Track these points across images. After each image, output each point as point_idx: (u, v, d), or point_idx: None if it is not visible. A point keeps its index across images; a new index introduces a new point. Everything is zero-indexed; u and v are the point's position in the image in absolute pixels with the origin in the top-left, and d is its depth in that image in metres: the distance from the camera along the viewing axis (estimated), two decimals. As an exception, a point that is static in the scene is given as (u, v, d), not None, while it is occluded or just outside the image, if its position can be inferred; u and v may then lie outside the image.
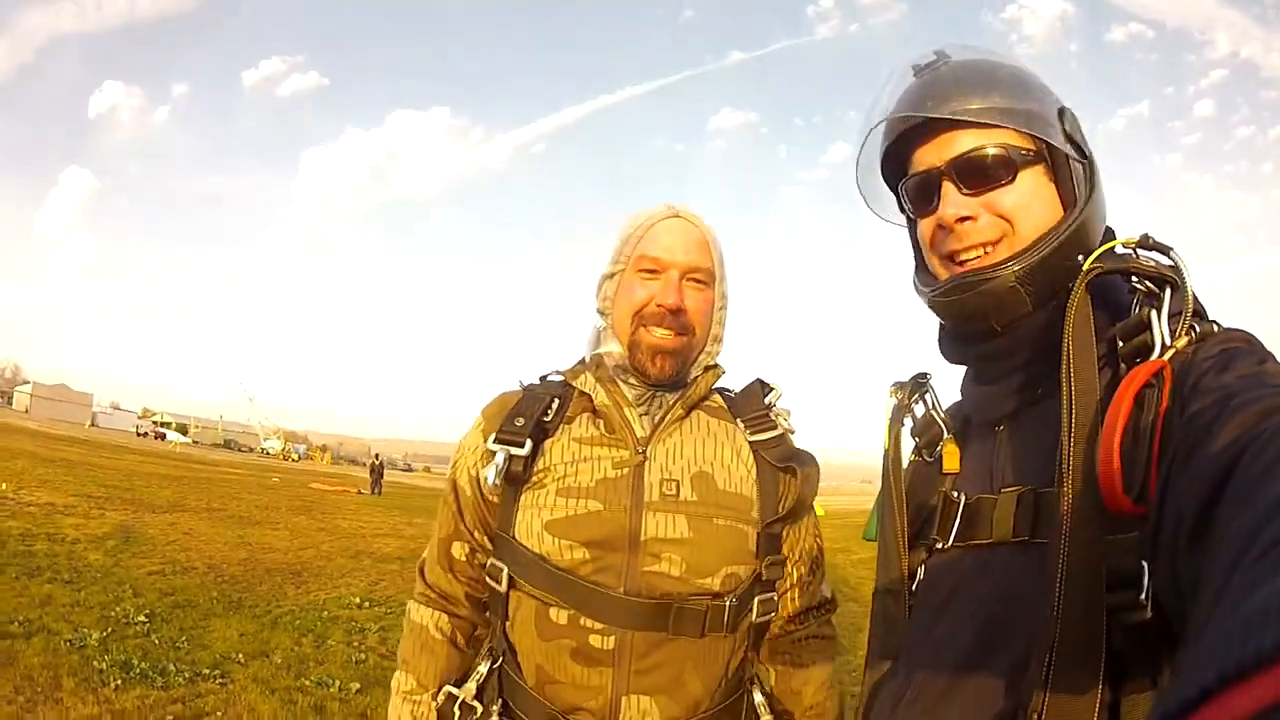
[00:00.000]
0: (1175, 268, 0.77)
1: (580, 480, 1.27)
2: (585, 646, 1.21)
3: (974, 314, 0.93)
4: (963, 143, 0.92)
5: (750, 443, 1.36)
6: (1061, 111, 0.93)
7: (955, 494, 0.96)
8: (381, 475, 35.60)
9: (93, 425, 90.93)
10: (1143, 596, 0.66)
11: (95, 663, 4.74)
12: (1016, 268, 0.88)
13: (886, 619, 1.03)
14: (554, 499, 1.27)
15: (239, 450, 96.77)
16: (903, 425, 1.11)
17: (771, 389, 1.42)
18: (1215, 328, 0.75)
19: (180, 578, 8.06)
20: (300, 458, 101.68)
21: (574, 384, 1.40)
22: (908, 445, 1.10)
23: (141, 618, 6.02)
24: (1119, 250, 0.84)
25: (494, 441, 1.31)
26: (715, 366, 1.41)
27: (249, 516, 15.38)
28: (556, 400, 1.37)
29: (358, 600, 8.14)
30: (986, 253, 0.92)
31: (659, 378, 1.32)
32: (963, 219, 0.92)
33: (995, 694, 0.79)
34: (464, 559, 1.40)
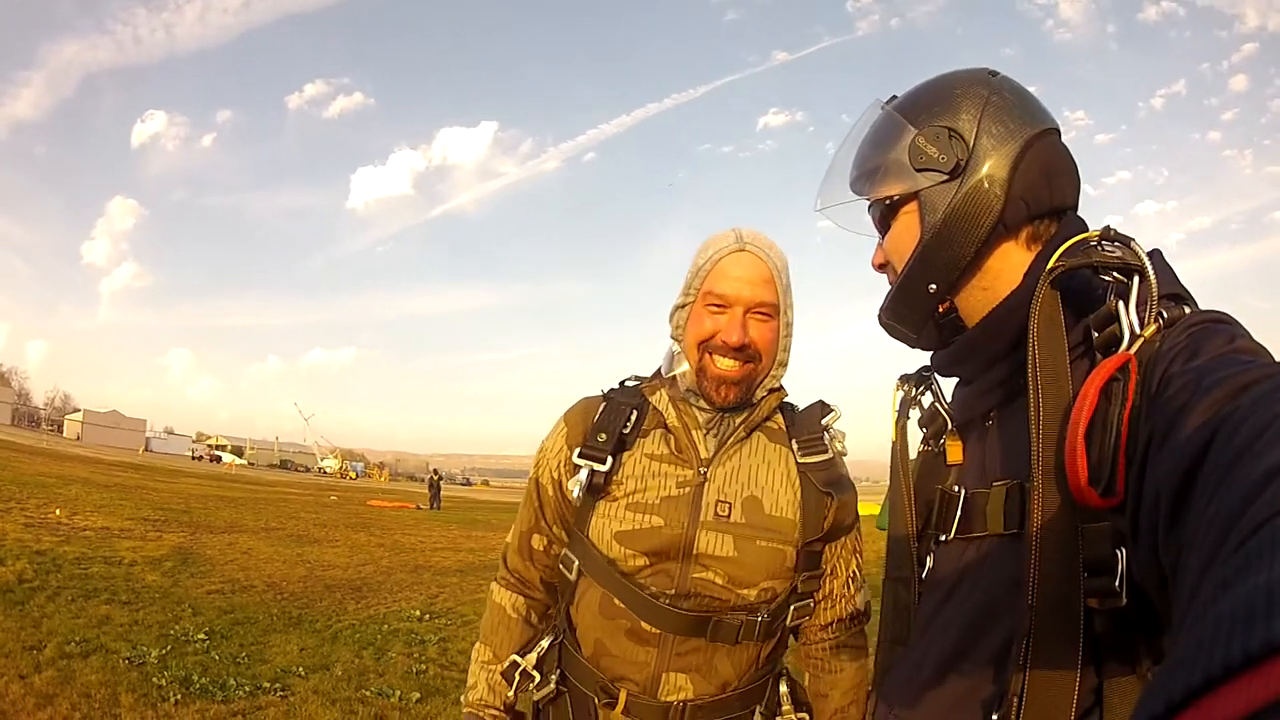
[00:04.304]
0: (1139, 256, 0.83)
1: (648, 497, 1.50)
2: (637, 628, 1.47)
3: (899, 340, 1.13)
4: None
5: (800, 464, 1.55)
6: (916, 141, 1.00)
7: (956, 488, 1.05)
8: (440, 490, 36.48)
9: (147, 450, 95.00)
10: (1117, 583, 0.74)
11: (154, 679, 4.98)
12: (884, 307, 1.09)
13: (896, 606, 1.14)
14: (624, 512, 1.50)
15: (296, 470, 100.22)
16: (908, 418, 1.22)
17: (830, 410, 1.61)
18: (1186, 311, 0.81)
19: (239, 596, 8.43)
20: (358, 475, 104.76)
21: (650, 400, 1.60)
22: (916, 436, 1.21)
23: (201, 635, 6.31)
24: (1092, 243, 0.90)
25: (579, 455, 1.54)
26: (779, 389, 1.60)
27: (307, 535, 15.99)
28: (635, 412, 1.58)
29: (418, 613, 8.42)
30: None
31: (724, 404, 1.52)
32: (879, 265, 1.11)
33: (986, 678, 0.90)
34: (542, 550, 1.67)
